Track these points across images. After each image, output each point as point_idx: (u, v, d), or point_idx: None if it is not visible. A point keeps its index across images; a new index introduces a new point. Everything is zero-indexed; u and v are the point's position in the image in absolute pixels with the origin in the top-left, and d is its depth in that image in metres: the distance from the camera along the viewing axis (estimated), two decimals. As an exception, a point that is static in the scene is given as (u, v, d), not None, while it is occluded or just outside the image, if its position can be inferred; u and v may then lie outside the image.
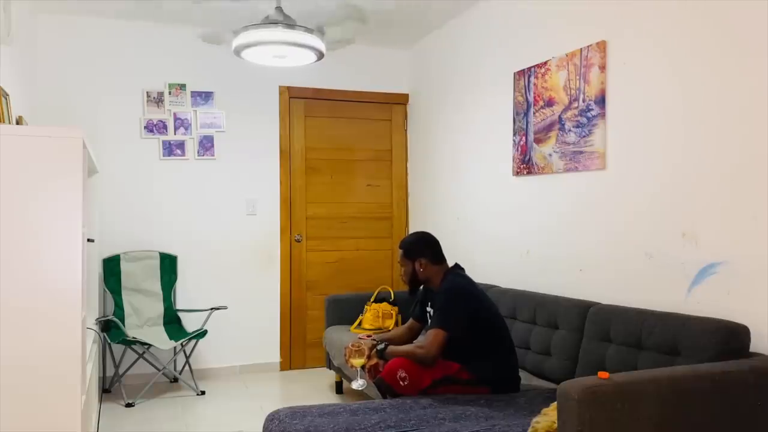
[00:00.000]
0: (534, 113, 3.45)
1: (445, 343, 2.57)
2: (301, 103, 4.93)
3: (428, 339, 2.59)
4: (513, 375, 2.71)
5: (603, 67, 2.95)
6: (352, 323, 4.15)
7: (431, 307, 2.84)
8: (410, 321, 3.04)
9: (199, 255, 4.60)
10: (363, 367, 2.68)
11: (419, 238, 2.90)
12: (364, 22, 4.38)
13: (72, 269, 2.19)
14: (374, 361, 2.67)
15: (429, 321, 2.86)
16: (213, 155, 4.62)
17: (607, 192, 2.95)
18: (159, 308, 4.36)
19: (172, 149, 4.53)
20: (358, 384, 2.69)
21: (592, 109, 3.02)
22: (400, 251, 2.88)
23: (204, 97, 4.60)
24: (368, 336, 2.95)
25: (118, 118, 4.42)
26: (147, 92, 4.47)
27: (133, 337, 3.94)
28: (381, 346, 2.66)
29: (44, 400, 2.15)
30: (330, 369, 4.18)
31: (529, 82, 3.50)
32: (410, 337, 2.98)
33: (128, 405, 3.90)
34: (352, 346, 2.71)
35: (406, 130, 5.21)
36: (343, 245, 5.00)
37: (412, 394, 2.52)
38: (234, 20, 4.32)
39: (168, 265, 4.43)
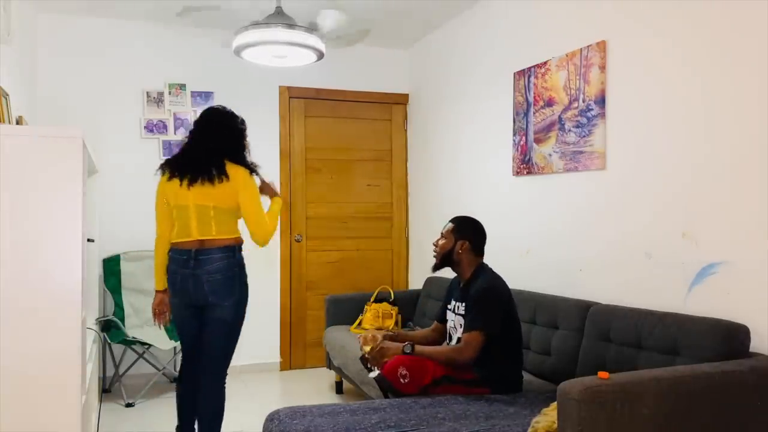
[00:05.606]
0: (534, 113, 3.45)
1: (482, 347, 2.58)
2: (301, 103, 4.93)
3: (465, 341, 2.59)
4: (519, 378, 2.71)
5: (603, 67, 2.95)
6: (352, 323, 4.15)
7: (457, 300, 2.81)
8: (434, 323, 3.03)
9: (199, 255, 4.59)
10: (364, 357, 2.71)
11: (472, 222, 2.88)
12: (365, 35, 4.38)
13: (72, 269, 2.19)
14: (377, 348, 2.67)
15: (448, 319, 2.85)
16: (213, 155, 4.62)
17: (607, 192, 2.95)
18: (159, 308, 4.35)
19: (172, 149, 4.52)
20: (373, 374, 2.66)
21: (592, 109, 3.02)
22: (451, 225, 2.85)
23: (204, 97, 4.60)
24: (386, 330, 2.92)
25: (118, 118, 4.42)
26: (147, 92, 4.47)
27: (133, 337, 3.94)
28: (408, 349, 2.62)
29: (44, 400, 2.15)
30: (330, 369, 4.18)
31: (529, 82, 3.49)
32: (435, 337, 2.95)
33: (128, 405, 3.91)
34: (367, 335, 2.72)
35: (406, 130, 5.21)
36: (343, 245, 5.00)
37: (413, 391, 2.52)
38: (235, 20, 4.32)
39: (168, 265, 4.42)
